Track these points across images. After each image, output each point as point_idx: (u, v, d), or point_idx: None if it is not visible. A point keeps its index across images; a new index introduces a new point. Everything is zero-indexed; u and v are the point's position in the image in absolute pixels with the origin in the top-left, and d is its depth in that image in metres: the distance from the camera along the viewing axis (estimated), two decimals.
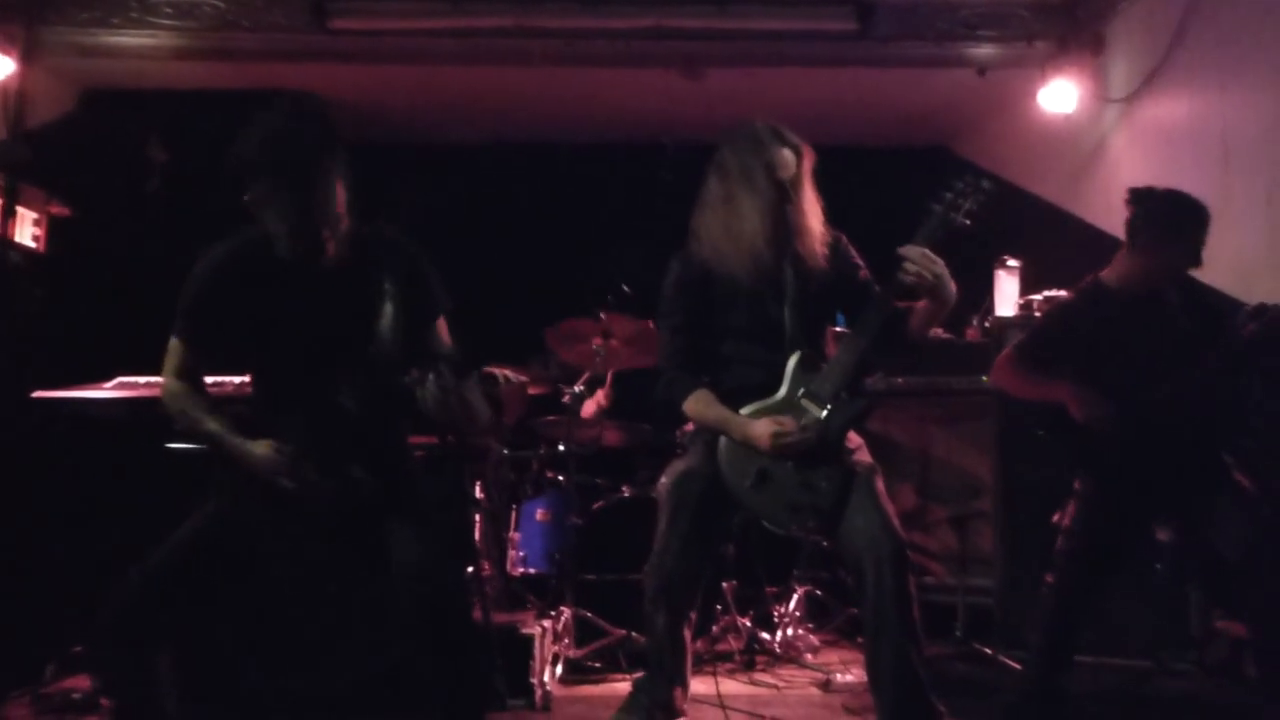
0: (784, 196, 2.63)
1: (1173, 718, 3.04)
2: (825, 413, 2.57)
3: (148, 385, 2.89)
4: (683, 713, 2.83)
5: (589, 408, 4.51)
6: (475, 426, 2.23)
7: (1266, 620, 2.78)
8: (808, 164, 2.68)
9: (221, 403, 2.37)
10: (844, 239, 2.80)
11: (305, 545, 2.25)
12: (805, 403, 2.60)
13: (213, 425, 2.23)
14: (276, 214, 2.17)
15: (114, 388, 3.07)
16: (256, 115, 2.17)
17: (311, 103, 2.25)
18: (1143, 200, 2.92)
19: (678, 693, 2.78)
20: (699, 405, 2.70)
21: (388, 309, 2.25)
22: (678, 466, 2.75)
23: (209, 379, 2.93)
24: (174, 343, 2.29)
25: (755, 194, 2.64)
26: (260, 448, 2.17)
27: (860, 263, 2.80)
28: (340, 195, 2.21)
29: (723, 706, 2.80)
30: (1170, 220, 2.87)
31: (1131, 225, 2.93)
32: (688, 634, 2.77)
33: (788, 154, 2.64)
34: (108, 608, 2.07)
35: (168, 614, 2.10)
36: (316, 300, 2.23)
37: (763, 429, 2.56)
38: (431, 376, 2.07)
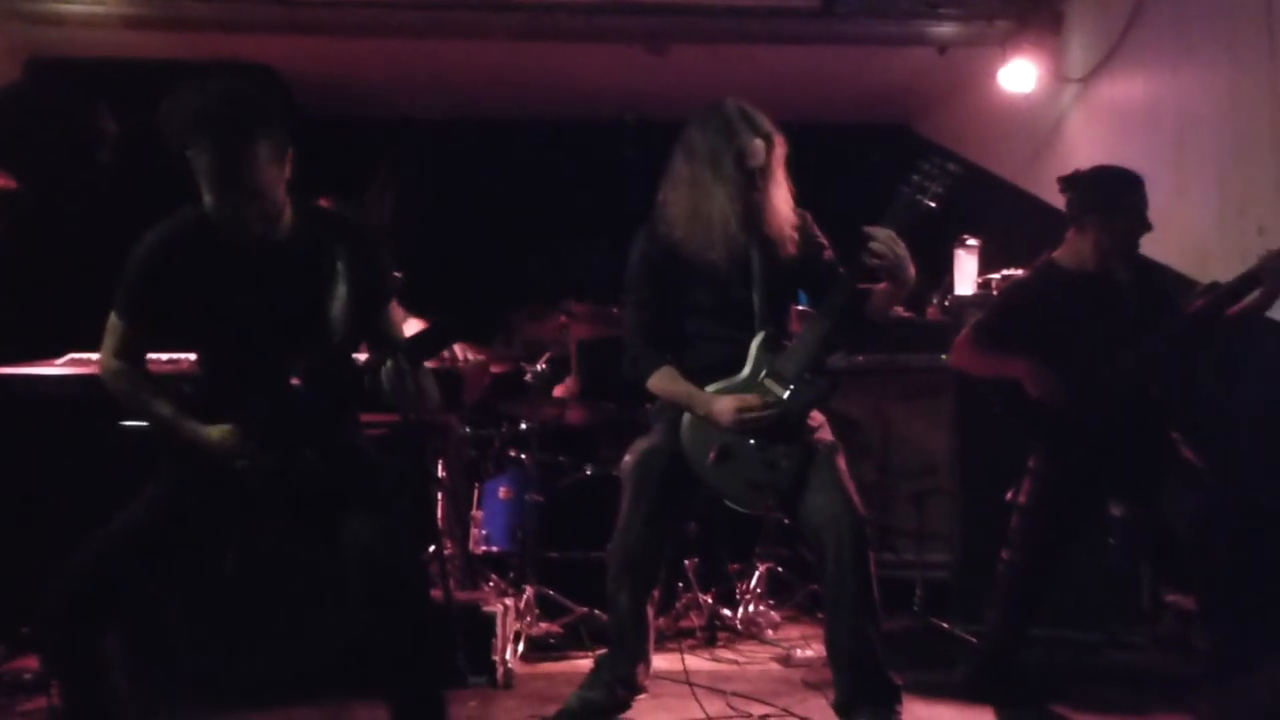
0: (752, 184, 2.63)
1: (1123, 688, 3.10)
2: (788, 393, 2.58)
3: (100, 363, 2.84)
4: (645, 689, 2.85)
5: (560, 390, 4.49)
6: (426, 410, 2.23)
7: (1214, 593, 2.84)
8: (779, 151, 2.68)
9: (166, 382, 2.33)
10: (809, 218, 2.80)
11: (257, 526, 2.22)
12: (769, 382, 2.61)
13: (164, 408, 2.19)
14: (203, 179, 2.10)
15: (65, 365, 3.02)
16: (194, 81, 2.09)
17: (250, 72, 2.18)
18: (1073, 184, 2.99)
19: (640, 669, 2.80)
20: (664, 381, 2.70)
21: (341, 290, 2.22)
22: (641, 445, 2.75)
23: (165, 356, 2.90)
24: (114, 321, 2.23)
25: (723, 180, 2.63)
26: (216, 431, 2.13)
27: (825, 243, 2.81)
28: (271, 169, 2.13)
29: (690, 683, 2.82)
30: (1105, 195, 2.93)
31: (1071, 209, 2.99)
32: (650, 611, 2.78)
33: (758, 143, 2.63)
34: (52, 590, 2.03)
35: (113, 596, 2.07)
36: (266, 279, 2.18)
37: (725, 405, 2.57)
38: (389, 362, 2.05)
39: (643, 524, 2.63)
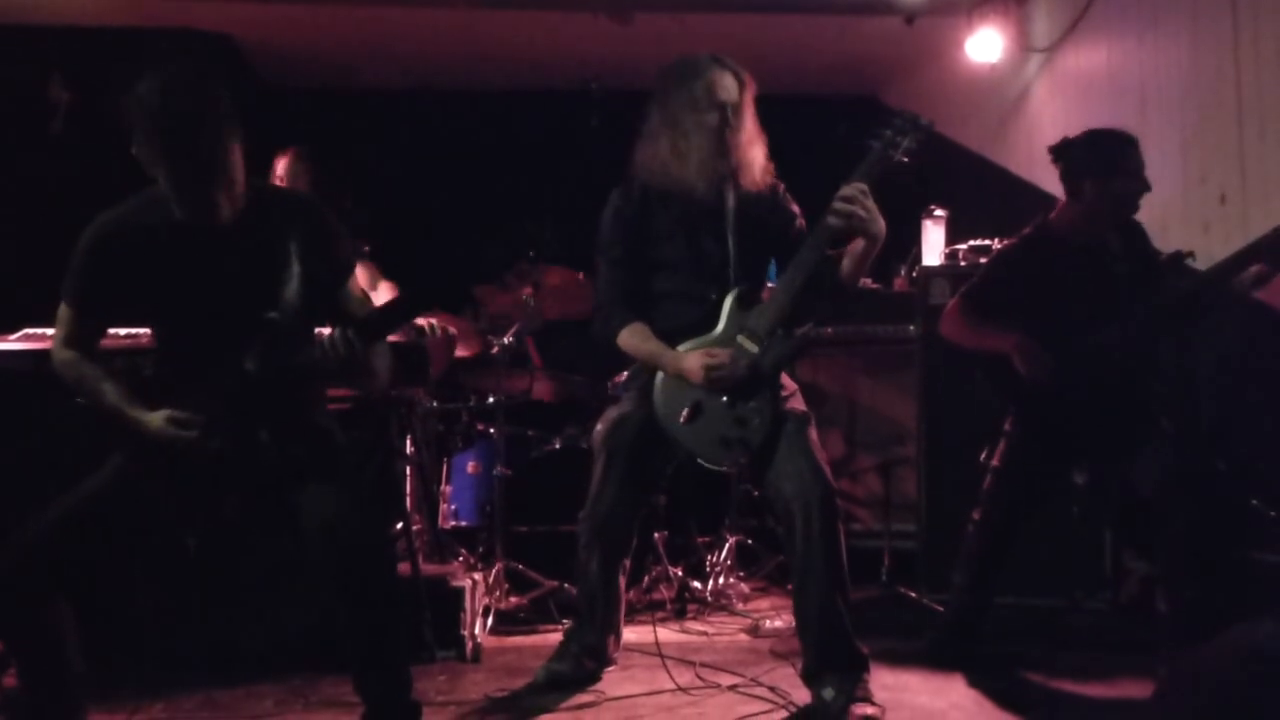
0: (725, 121, 2.61)
1: (1087, 653, 3.14)
2: (760, 348, 2.57)
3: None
4: (614, 660, 2.86)
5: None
6: (372, 387, 2.21)
7: (1174, 558, 2.88)
8: (749, 93, 2.67)
9: (117, 363, 2.29)
10: (781, 188, 2.79)
11: (218, 505, 2.19)
12: (742, 339, 2.59)
13: (110, 396, 2.14)
14: (164, 173, 2.06)
15: (19, 340, 2.95)
16: (146, 70, 2.04)
17: (202, 58, 2.13)
18: (1065, 151, 2.93)
19: (610, 640, 2.80)
20: (634, 339, 2.68)
21: (295, 271, 2.19)
22: (612, 413, 2.74)
23: (124, 330, 2.84)
24: (63, 309, 2.19)
25: (699, 113, 2.62)
26: (154, 419, 2.08)
27: (797, 212, 2.79)
28: (234, 155, 2.10)
29: (661, 655, 2.82)
30: (1101, 156, 2.86)
31: (1066, 176, 2.92)
32: (621, 580, 2.78)
33: (729, 77, 2.63)
34: (6, 558, 2.00)
35: (65, 569, 2.03)
36: (219, 262, 2.14)
37: (695, 361, 2.56)
38: (329, 337, 2.03)
39: (615, 491, 2.63)
